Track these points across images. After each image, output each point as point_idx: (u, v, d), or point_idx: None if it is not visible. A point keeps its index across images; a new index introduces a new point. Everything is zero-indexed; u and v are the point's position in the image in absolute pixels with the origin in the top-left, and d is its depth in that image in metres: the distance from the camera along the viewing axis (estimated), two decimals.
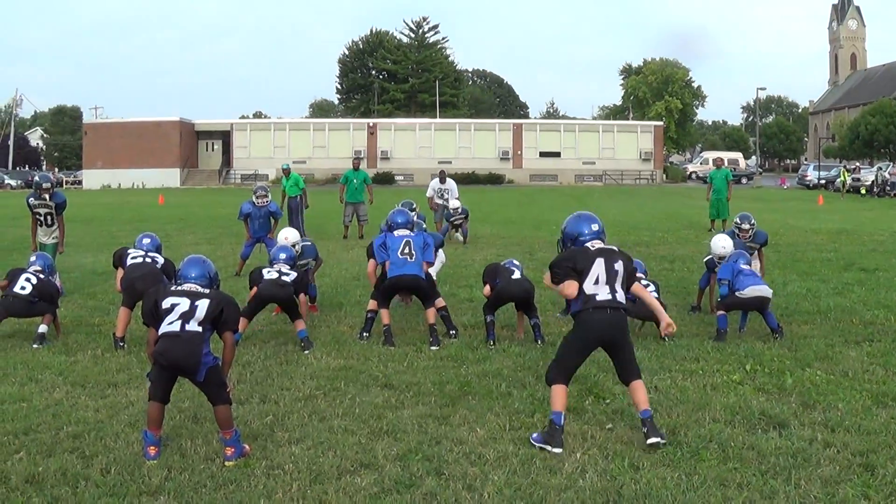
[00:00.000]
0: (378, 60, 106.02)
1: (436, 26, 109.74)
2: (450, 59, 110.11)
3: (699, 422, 7.46)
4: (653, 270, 16.83)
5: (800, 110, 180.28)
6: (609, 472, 6.31)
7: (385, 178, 67.23)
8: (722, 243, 11.96)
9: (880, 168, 61.69)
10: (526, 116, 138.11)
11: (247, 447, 6.69)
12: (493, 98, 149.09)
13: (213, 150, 79.20)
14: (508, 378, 8.93)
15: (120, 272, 10.82)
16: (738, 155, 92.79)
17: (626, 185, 71.67)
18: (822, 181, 66.54)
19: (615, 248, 7.31)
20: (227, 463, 6.46)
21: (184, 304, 6.76)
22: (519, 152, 78.30)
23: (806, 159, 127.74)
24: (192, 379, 6.79)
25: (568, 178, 76.24)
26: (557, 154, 78.46)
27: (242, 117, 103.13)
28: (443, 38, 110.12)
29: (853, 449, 6.75)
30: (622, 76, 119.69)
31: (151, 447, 6.55)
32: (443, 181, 24.57)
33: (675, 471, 6.34)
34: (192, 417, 7.58)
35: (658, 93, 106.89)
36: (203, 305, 6.77)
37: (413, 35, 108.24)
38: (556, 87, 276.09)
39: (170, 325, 6.69)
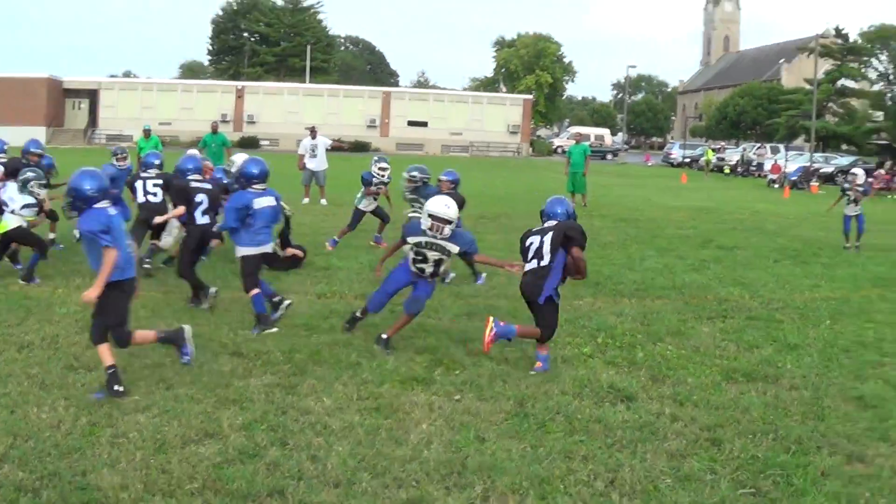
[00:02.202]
0: (251, 22, 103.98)
1: None
2: (323, 24, 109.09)
3: (547, 394, 7.54)
4: (511, 243, 16.97)
5: (669, 89, 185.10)
6: (455, 443, 6.36)
7: (250, 143, 66.03)
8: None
9: (745, 149, 63.89)
10: (396, 85, 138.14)
11: None
12: (364, 65, 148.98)
13: (79, 108, 76.53)
14: (359, 348, 8.86)
15: None
16: (605, 131, 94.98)
17: (492, 157, 72.32)
18: (687, 160, 68.55)
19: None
20: None
21: None
22: (387, 121, 78.49)
23: (672, 138, 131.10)
24: None
25: (434, 149, 76.49)
26: (425, 124, 78.77)
27: (112, 76, 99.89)
28: (317, 2, 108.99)
29: (701, 423, 6.93)
30: (495, 48, 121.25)
31: None
32: (314, 137, 24.97)
33: (521, 442, 6.42)
34: (41, 384, 7.33)
35: (530, 66, 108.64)
36: None
37: None
38: (429, 57, 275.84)
39: None
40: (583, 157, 26.42)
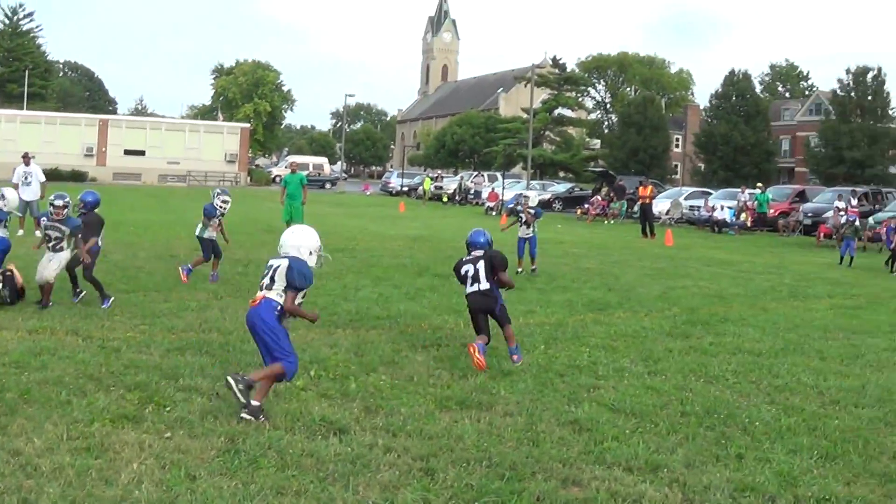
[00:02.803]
0: None
1: (31, 13, 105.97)
2: (42, 48, 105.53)
3: (259, 429, 7.42)
4: (227, 273, 16.97)
5: (389, 118, 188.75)
6: (166, 482, 6.24)
7: None
8: None
9: (463, 177, 65.84)
10: (115, 112, 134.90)
11: None
12: (83, 92, 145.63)
13: None
14: (69, 385, 8.58)
15: None
16: (323, 160, 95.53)
17: (210, 187, 71.27)
18: (406, 188, 69.87)
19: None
20: None
21: None
22: (104, 149, 77.37)
23: (391, 167, 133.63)
24: None
25: (152, 178, 76.27)
26: (142, 153, 78.43)
27: None
28: (37, 27, 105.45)
29: (414, 453, 6.95)
30: (214, 76, 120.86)
31: None
32: (27, 164, 25.00)
33: (233, 479, 6.32)
34: None
35: (248, 95, 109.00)
36: None
37: (8, 21, 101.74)
38: (148, 84, 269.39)
39: None
40: (299, 186, 26.33)
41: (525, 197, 21.34)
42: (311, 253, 8.27)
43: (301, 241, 8.33)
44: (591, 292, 16.76)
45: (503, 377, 9.62)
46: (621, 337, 12.22)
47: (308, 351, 10.42)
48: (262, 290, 8.13)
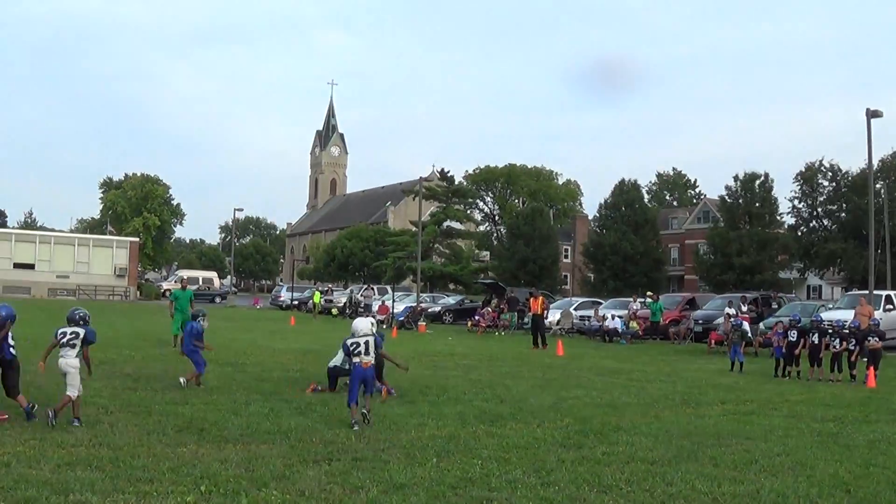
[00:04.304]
0: None
1: None
2: None
3: None
4: (116, 389, 16.59)
5: (278, 232, 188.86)
6: None
7: None
8: None
9: (353, 290, 65.88)
10: (4, 225, 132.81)
11: None
12: None
13: None
14: None
15: None
16: (213, 274, 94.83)
17: (99, 301, 70.46)
18: (296, 302, 69.58)
19: None
20: None
21: None
22: None
23: (281, 280, 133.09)
24: None
25: (41, 291, 75.82)
26: (32, 266, 78.12)
27: None
28: None
29: None
30: (102, 189, 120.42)
31: None
32: None
33: None
34: None
35: (137, 208, 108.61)
36: None
37: None
38: (37, 197, 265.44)
39: None
40: (188, 302, 26.56)
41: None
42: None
43: (369, 325, 14.57)
44: (483, 404, 16.75)
45: (395, 491, 9.51)
46: (514, 448, 12.19)
47: (198, 466, 10.25)
48: (362, 356, 13.69)
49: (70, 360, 12.90)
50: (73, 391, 12.77)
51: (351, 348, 13.83)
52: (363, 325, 14.35)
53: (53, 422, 12.39)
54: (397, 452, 11.57)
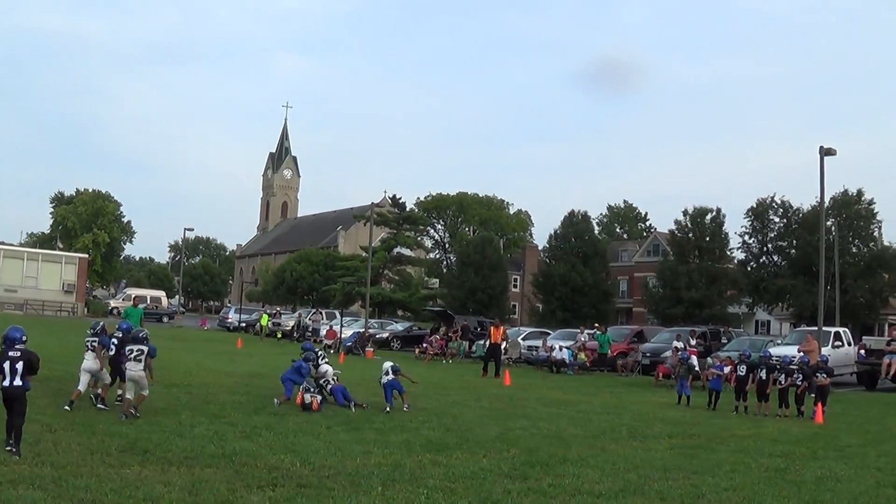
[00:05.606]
0: None
1: None
2: None
3: None
4: (60, 407, 16.35)
5: (228, 253, 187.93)
6: None
7: None
8: None
9: (301, 314, 65.59)
10: None
11: None
12: None
13: None
14: None
15: None
16: (161, 293, 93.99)
17: (47, 317, 69.56)
18: (243, 324, 69.12)
19: None
20: None
21: None
22: None
23: (230, 302, 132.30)
24: None
25: None
26: None
27: None
28: None
29: None
30: (53, 204, 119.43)
31: None
32: None
33: None
34: None
35: (88, 225, 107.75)
36: None
37: None
38: None
39: None
40: (139, 319, 26.60)
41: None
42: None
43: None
44: (429, 432, 16.69)
45: None
46: (460, 478, 12.13)
47: (141, 488, 10.14)
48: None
49: (138, 371, 16.00)
50: (145, 391, 16.21)
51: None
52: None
53: (137, 414, 15.78)
54: (342, 480, 11.48)
